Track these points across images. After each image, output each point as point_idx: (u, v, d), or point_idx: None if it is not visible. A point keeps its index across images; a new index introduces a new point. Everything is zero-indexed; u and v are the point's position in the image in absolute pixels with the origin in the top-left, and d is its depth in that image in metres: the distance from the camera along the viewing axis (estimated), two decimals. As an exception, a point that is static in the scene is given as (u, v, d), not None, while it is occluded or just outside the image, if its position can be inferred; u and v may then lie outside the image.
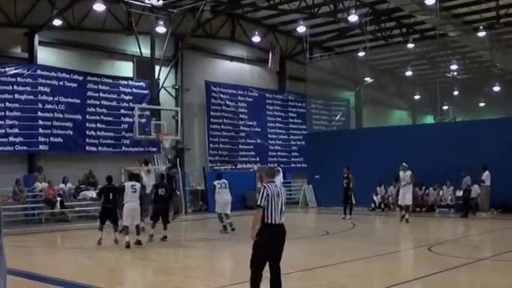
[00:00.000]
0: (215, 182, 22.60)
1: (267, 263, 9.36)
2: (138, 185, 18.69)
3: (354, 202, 27.26)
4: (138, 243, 17.72)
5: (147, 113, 32.54)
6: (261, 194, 9.15)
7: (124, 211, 18.14)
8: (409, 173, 23.94)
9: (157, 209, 19.34)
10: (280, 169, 35.72)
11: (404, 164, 24.10)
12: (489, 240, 20.02)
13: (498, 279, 12.34)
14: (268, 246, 9.20)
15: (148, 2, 30.19)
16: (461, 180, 26.78)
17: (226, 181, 22.73)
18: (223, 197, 22.19)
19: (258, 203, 9.14)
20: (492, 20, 33.90)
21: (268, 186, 9.20)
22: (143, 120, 32.13)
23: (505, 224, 24.39)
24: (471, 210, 26.94)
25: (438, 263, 14.26)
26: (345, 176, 27.31)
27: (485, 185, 27.09)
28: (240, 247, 17.72)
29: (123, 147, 32.62)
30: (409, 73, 46.10)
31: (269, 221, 9.10)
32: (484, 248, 17.35)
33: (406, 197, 24.24)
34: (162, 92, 34.02)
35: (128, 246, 17.28)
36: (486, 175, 26.89)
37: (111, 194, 18.32)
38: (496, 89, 45.00)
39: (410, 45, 37.76)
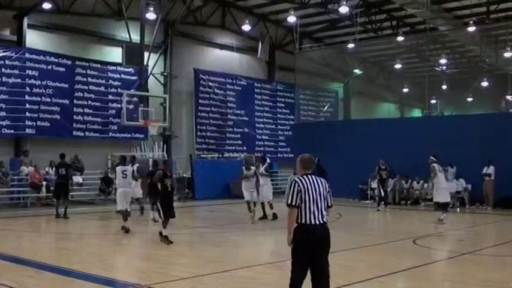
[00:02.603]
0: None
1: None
2: (129, 170, 18.68)
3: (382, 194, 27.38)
4: (124, 229, 17.81)
5: (135, 99, 32.45)
6: (291, 191, 7.89)
7: (117, 196, 18.55)
8: (432, 167, 21.39)
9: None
10: (267, 157, 36.07)
11: (431, 157, 21.78)
12: (474, 235, 20.11)
13: (482, 273, 12.41)
14: (302, 249, 7.85)
15: (139, -13, 30.09)
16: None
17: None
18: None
19: (289, 202, 7.86)
20: (482, 15, 33.93)
21: (300, 181, 7.92)
22: (131, 106, 32.03)
23: (490, 219, 24.59)
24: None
25: (423, 256, 14.35)
26: (384, 167, 27.16)
27: (491, 179, 27.24)
28: (227, 236, 17.75)
29: (110, 133, 32.52)
30: (398, 66, 46.09)
31: (303, 221, 7.82)
32: (469, 242, 17.42)
33: (434, 194, 21.85)
34: (151, 79, 33.95)
35: (123, 229, 17.76)
36: (492, 169, 27.05)
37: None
38: (484, 84, 45.15)
39: (400, 38, 37.71)
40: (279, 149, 42.19)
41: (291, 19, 35.83)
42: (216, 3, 37.16)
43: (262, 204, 21.77)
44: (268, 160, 23.66)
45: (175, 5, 33.73)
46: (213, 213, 25.34)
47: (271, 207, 21.50)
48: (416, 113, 53.98)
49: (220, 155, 36.91)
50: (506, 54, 38.24)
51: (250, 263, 13.25)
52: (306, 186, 7.85)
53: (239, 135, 39.49)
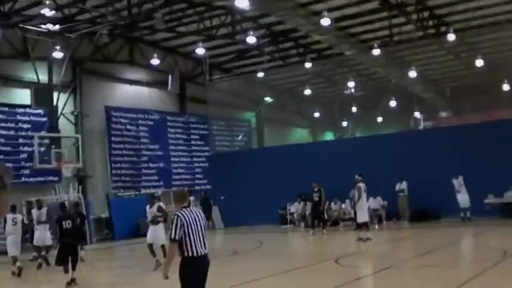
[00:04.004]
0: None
1: None
2: (19, 218, 19.47)
3: (325, 216, 27.30)
4: (13, 273, 18.24)
5: (47, 141, 31.78)
6: (174, 225, 7.87)
7: (7, 244, 19.09)
8: (358, 187, 21.98)
9: (63, 247, 15.78)
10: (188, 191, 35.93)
11: (356, 176, 22.22)
12: (393, 249, 20.55)
13: (405, 285, 12.67)
14: (193, 280, 7.91)
15: (45, 27, 29.64)
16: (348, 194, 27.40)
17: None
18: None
19: (172, 236, 7.85)
20: (385, 38, 34.95)
21: (182, 214, 7.92)
22: (43, 148, 31.33)
23: (408, 233, 25.17)
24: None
25: (345, 275, 14.53)
26: (316, 190, 26.99)
27: (405, 194, 28.00)
28: (147, 276, 17.47)
29: (23, 178, 31.55)
30: (307, 92, 46.79)
31: (191, 254, 7.86)
32: (389, 257, 17.76)
33: (359, 214, 22.07)
34: (62, 119, 33.30)
35: (18, 274, 18.13)
36: (405, 184, 27.81)
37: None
38: (393, 104, 46.32)
39: (308, 65, 38.37)
40: (196, 181, 41.96)
41: (200, 51, 36.01)
42: (123, 39, 36.92)
43: None
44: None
45: (83, 42, 33.36)
46: (133, 253, 25.01)
47: None
48: (329, 136, 54.89)
49: (137, 192, 36.43)
50: (411, 74, 39.47)
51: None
52: (188, 219, 7.91)
53: (155, 171, 39.10)
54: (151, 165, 38.81)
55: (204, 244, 8.00)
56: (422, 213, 28.14)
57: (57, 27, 29.85)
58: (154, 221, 18.26)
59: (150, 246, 17.98)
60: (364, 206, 22.18)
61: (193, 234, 7.86)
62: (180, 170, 40.99)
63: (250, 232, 30.21)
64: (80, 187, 32.59)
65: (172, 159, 40.53)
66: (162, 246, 17.41)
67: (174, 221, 7.92)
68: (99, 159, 35.92)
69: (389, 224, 28.52)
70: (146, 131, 38.71)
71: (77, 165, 32.52)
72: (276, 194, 31.28)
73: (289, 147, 37.57)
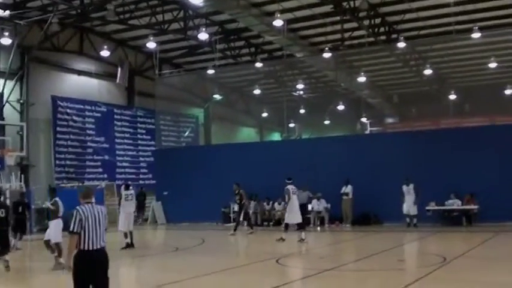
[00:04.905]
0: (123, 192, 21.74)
1: None
2: None
3: (240, 219, 27.22)
4: None
5: (-10, 128, 31.29)
6: (73, 219, 8.41)
7: None
8: (286, 189, 22.47)
9: None
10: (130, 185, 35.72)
11: (286, 180, 22.74)
12: (335, 252, 20.73)
13: (343, 287, 12.81)
14: (85, 274, 8.28)
15: (-6, 12, 29.12)
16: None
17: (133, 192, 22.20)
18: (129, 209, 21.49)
19: (71, 228, 8.36)
20: (337, 42, 35.21)
21: (81, 209, 8.50)
22: (-14, 136, 30.85)
23: (349, 236, 25.42)
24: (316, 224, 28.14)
25: (286, 275, 14.64)
26: (236, 192, 27.05)
27: (349, 198, 28.26)
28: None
29: (-36, 164, 31.10)
30: (257, 91, 47.00)
31: (84, 247, 8.33)
32: (330, 258, 17.90)
33: (287, 215, 22.81)
34: (7, 107, 32.75)
35: None
36: (350, 188, 28.06)
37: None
38: (340, 107, 46.79)
39: (258, 65, 38.48)
40: (141, 175, 41.70)
41: (151, 45, 35.72)
42: (74, 29, 36.44)
43: (125, 233, 21.38)
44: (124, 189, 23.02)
45: (32, 30, 32.80)
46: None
47: (126, 236, 21.12)
48: (276, 136, 55.11)
49: (81, 184, 35.95)
50: (360, 79, 39.85)
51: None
52: (86, 214, 8.47)
53: (99, 163, 38.67)
54: (96, 157, 38.42)
55: (100, 239, 8.47)
56: (365, 217, 28.48)
57: (7, 13, 29.22)
58: (51, 216, 17.83)
59: (46, 242, 16.99)
60: (294, 208, 22.43)
61: (89, 229, 8.38)
62: (124, 164, 40.69)
63: (192, 229, 30.16)
64: (23, 176, 32.09)
65: (117, 152, 40.20)
66: (56, 244, 16.60)
67: (74, 215, 8.46)
68: (44, 149, 35.43)
69: (331, 226, 28.74)
70: (92, 123, 38.30)
71: (21, 154, 32.05)
72: (220, 192, 31.17)
73: (236, 146, 37.67)
